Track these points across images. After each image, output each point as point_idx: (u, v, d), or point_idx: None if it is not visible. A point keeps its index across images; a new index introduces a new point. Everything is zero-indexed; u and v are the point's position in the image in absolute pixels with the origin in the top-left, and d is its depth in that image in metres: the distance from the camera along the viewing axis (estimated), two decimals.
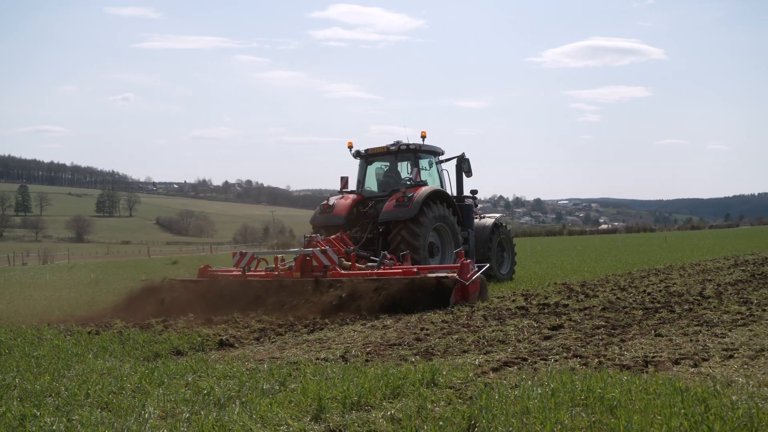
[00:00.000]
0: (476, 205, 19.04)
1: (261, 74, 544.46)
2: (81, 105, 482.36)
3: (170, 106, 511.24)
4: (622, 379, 6.27)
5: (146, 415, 5.66)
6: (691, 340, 8.57)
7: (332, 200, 16.98)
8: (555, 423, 5.08)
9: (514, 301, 13.34)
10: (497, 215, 20.34)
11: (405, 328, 10.39)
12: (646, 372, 6.81)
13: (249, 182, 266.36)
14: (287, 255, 14.90)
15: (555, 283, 17.07)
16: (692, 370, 6.96)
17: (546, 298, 13.67)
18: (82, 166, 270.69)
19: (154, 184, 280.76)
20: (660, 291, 14.41)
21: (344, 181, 17.65)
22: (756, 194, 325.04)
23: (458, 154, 18.33)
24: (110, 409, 5.98)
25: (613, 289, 15.01)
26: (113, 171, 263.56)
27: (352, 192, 17.47)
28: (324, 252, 13.26)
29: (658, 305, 11.96)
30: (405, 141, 17.32)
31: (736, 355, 7.58)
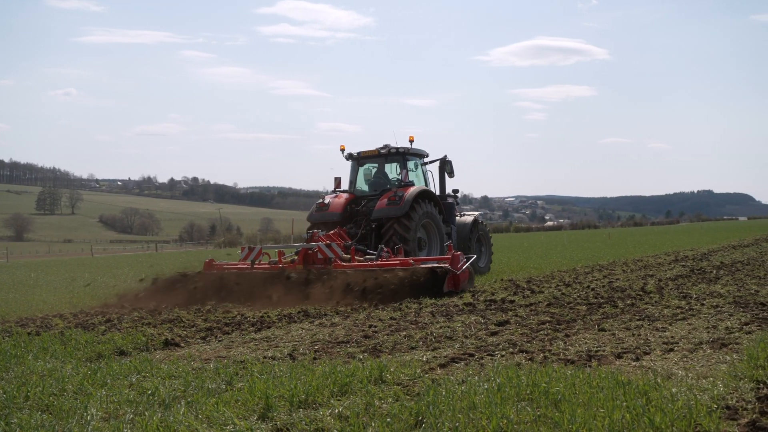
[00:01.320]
0: (457, 203, 20.30)
1: (207, 70, 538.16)
2: (20, 100, 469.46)
3: (114, 102, 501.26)
4: (566, 374, 6.38)
5: (88, 417, 5.55)
6: (633, 335, 8.76)
7: (327, 199, 18.26)
8: (501, 418, 5.14)
9: (461, 297, 13.45)
10: (476, 213, 21.67)
11: (353, 326, 10.39)
12: (590, 366, 6.94)
13: (195, 179, 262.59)
14: (287, 249, 16.20)
15: (501, 280, 17.27)
16: (634, 363, 7.12)
17: (493, 294, 13.81)
18: (21, 162, 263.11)
19: (97, 181, 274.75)
20: (603, 286, 14.69)
21: (337, 181, 18.92)
22: (695, 191, 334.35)
23: (441, 156, 19.68)
24: (51, 411, 5.84)
25: (558, 285, 15.25)
26: (54, 168, 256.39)
27: (344, 191, 18.71)
28: (329, 246, 14.75)
29: (602, 300, 12.20)
30: (393, 144, 18.62)
31: (676, 348, 7.77)
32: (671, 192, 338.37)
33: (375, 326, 10.19)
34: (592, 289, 14.14)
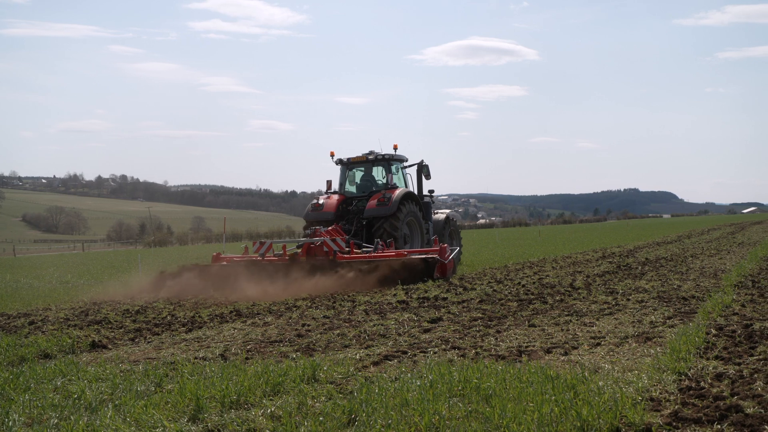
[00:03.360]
0: (433, 203, 22.58)
1: (136, 65, 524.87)
2: None
3: (37, 97, 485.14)
4: (497, 369, 6.48)
5: (10, 423, 5.36)
6: (562, 330, 8.95)
7: (321, 200, 20.32)
8: (433, 414, 5.18)
9: (395, 295, 13.51)
10: (448, 211, 23.98)
11: (286, 325, 10.33)
12: (520, 361, 7.06)
13: (124, 177, 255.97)
14: (290, 243, 18.94)
15: (435, 277, 17.42)
16: (563, 358, 7.27)
17: (426, 291, 13.91)
18: None
19: (19, 178, 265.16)
20: (534, 283, 14.97)
21: (329, 184, 21.08)
22: (622, 190, 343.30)
23: (418, 161, 21.96)
24: None
25: (490, 282, 15.46)
26: None
27: (335, 193, 20.70)
28: (334, 240, 16.98)
29: (532, 297, 12.43)
30: (378, 151, 20.84)
31: (602, 342, 7.98)
32: (599, 190, 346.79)
33: (308, 325, 10.15)
34: (523, 286, 14.39)
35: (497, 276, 17.13)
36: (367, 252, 17.51)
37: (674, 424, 4.96)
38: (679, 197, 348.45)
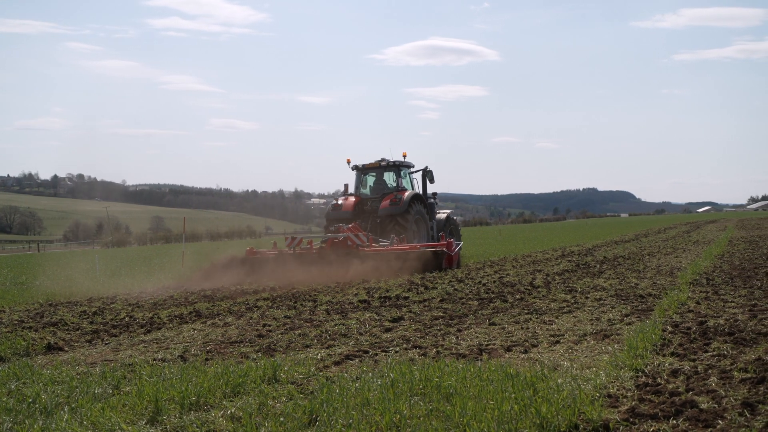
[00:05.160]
0: (435, 203, 25.13)
1: (94, 63, 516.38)
2: None
3: None
4: (458, 368, 6.51)
5: None
6: (522, 328, 9.04)
7: (340, 201, 23.15)
8: (394, 413, 5.19)
9: (356, 294, 13.51)
10: (449, 211, 26.50)
11: (247, 325, 10.25)
12: (481, 360, 7.10)
13: (81, 176, 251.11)
14: (316, 238, 21.37)
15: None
16: (523, 356, 7.34)
17: (387, 291, 13.93)
18: None
19: None
20: (494, 282, 15.08)
21: (346, 187, 23.95)
22: (581, 189, 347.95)
23: (423, 167, 24.32)
24: None
25: (451, 281, 15.53)
26: None
27: (351, 195, 23.40)
28: (356, 235, 19.57)
29: (493, 295, 12.52)
30: (389, 158, 23.59)
31: (562, 340, 8.07)
32: (558, 190, 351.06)
33: (269, 325, 10.09)
34: (484, 285, 14.49)
35: (458, 275, 17.22)
36: (383, 246, 19.91)
37: (631, 419, 5.04)
38: (637, 197, 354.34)
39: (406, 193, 22.33)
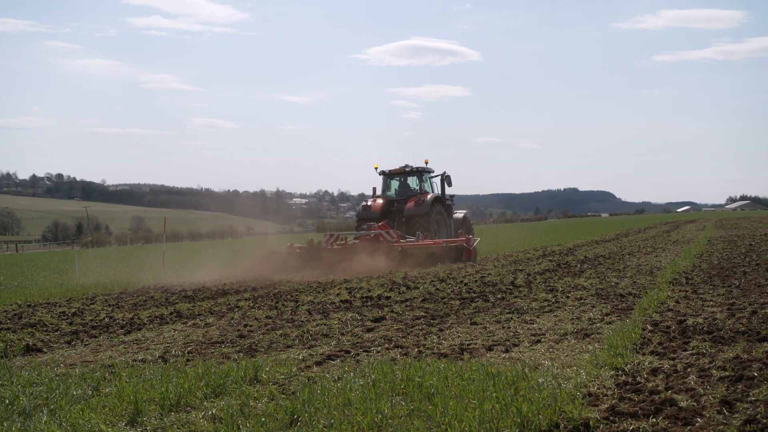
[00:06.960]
0: (453, 204, 28.06)
1: (74, 62, 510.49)
2: None
3: None
4: (439, 367, 6.52)
5: None
6: (504, 327, 9.07)
7: (369, 202, 25.99)
8: (376, 413, 5.19)
9: (338, 294, 13.49)
10: (465, 211, 29.21)
11: (228, 326, 10.21)
12: (462, 359, 7.12)
13: (60, 176, 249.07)
14: (349, 235, 24.33)
15: (378, 276, 17.47)
16: (504, 355, 7.36)
17: (369, 291, 13.92)
18: None
19: None
20: (476, 281, 15.11)
21: (374, 190, 26.94)
22: (562, 189, 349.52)
23: (441, 172, 27.10)
24: None
25: (432, 281, 15.55)
26: None
27: (378, 197, 26.33)
28: (387, 233, 22.44)
29: (474, 295, 12.55)
30: (412, 164, 26.43)
31: (543, 339, 8.10)
32: (540, 190, 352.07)
33: (250, 325, 10.05)
34: (465, 284, 14.52)
35: (440, 275, 17.23)
36: (410, 242, 22.45)
37: (611, 418, 5.07)
38: (617, 196, 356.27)
39: (429, 196, 25.17)
